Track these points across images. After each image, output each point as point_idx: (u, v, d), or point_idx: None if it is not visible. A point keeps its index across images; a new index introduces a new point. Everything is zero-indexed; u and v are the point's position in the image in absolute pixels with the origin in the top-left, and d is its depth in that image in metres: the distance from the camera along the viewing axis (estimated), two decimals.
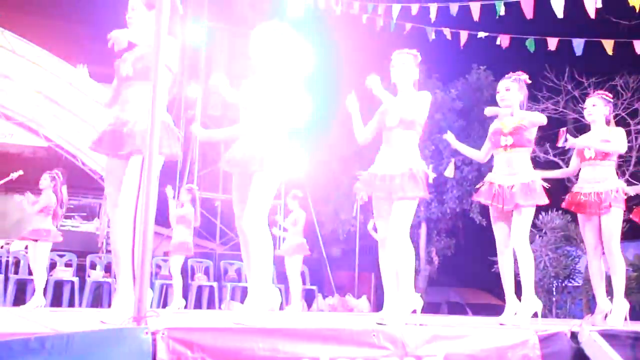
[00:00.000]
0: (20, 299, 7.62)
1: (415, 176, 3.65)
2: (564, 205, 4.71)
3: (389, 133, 3.81)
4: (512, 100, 4.26)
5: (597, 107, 4.60)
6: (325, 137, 14.76)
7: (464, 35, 7.48)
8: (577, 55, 6.80)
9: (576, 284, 9.53)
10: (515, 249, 4.13)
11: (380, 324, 3.42)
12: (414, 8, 7.24)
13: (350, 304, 10.06)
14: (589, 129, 4.73)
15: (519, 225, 4.10)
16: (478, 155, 4.61)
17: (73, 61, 11.05)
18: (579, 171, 4.70)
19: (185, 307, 7.67)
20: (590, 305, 9.20)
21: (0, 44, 10.46)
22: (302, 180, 11.23)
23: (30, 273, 7.15)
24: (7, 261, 8.27)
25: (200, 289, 8.84)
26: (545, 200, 4.14)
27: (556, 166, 10.46)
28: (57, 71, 11.09)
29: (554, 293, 9.45)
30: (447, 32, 7.65)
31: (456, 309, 14.09)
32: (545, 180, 4.26)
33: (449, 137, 4.70)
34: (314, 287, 9.56)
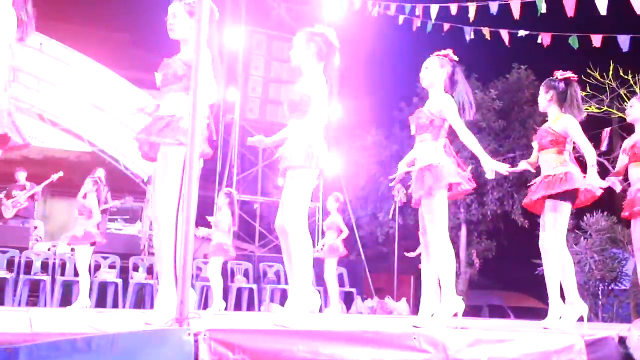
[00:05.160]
0: (66, 300, 7.83)
1: (427, 172, 3.63)
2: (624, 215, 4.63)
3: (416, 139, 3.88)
4: (555, 111, 4.24)
5: (635, 107, 4.54)
6: (364, 140, 14.75)
7: (504, 34, 7.35)
8: (623, 52, 6.61)
9: (623, 288, 9.26)
10: (550, 250, 4.06)
11: (417, 327, 3.39)
12: (454, 8, 7.16)
13: (390, 307, 9.99)
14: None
15: (549, 224, 4.05)
16: (532, 162, 4.56)
17: (116, 68, 11.33)
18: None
19: (226, 309, 7.75)
20: (639, 309, 8.93)
21: (46, 52, 10.78)
22: (341, 183, 11.23)
23: (76, 275, 7.35)
24: (54, 263, 8.50)
25: (240, 291, 8.92)
26: (572, 186, 4.05)
27: (601, 167, 10.18)
28: (101, 78, 11.38)
29: (600, 297, 9.19)
30: (486, 31, 7.54)
31: (498, 312, 13.87)
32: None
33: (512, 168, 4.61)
34: (353, 290, 9.53)
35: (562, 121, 4.19)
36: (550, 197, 4.11)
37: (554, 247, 4.04)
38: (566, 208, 4.09)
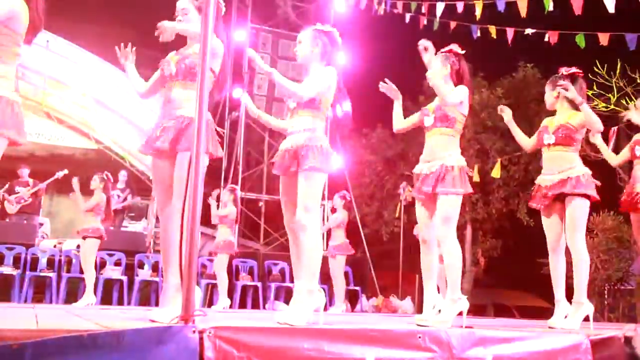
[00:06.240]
0: (72, 297, 7.85)
1: (452, 173, 3.61)
2: (621, 208, 4.60)
3: (427, 132, 3.83)
4: (565, 108, 4.19)
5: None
6: (369, 138, 14.72)
7: (510, 32, 7.33)
8: (630, 50, 6.59)
9: (629, 287, 9.23)
10: (569, 248, 4.03)
11: (420, 325, 3.38)
12: (460, 6, 7.14)
13: (394, 305, 9.98)
14: None
15: (570, 222, 4.00)
16: (525, 142, 4.48)
17: (122, 65, 11.33)
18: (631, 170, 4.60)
19: (230, 306, 7.76)
20: None
21: (52, 49, 10.81)
22: (346, 180, 11.22)
23: (81, 271, 7.38)
24: (60, 260, 8.52)
25: (244, 288, 8.93)
26: (593, 192, 4.01)
27: (607, 165, 10.13)
28: (107, 76, 11.41)
29: (606, 296, 9.17)
30: (492, 29, 7.52)
31: (502, 311, 13.85)
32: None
33: (506, 113, 4.48)
34: (357, 288, 9.53)
35: (580, 116, 4.10)
36: (567, 195, 4.04)
37: (569, 244, 4.02)
38: (585, 206, 4.03)
